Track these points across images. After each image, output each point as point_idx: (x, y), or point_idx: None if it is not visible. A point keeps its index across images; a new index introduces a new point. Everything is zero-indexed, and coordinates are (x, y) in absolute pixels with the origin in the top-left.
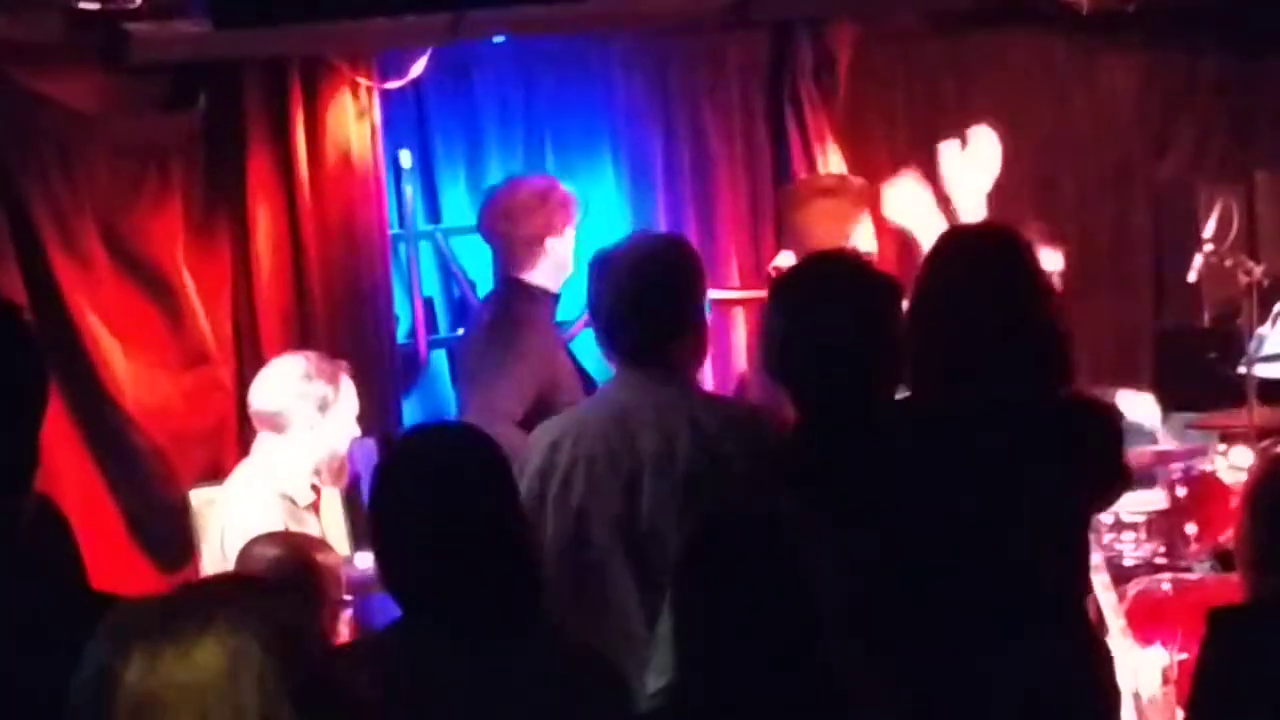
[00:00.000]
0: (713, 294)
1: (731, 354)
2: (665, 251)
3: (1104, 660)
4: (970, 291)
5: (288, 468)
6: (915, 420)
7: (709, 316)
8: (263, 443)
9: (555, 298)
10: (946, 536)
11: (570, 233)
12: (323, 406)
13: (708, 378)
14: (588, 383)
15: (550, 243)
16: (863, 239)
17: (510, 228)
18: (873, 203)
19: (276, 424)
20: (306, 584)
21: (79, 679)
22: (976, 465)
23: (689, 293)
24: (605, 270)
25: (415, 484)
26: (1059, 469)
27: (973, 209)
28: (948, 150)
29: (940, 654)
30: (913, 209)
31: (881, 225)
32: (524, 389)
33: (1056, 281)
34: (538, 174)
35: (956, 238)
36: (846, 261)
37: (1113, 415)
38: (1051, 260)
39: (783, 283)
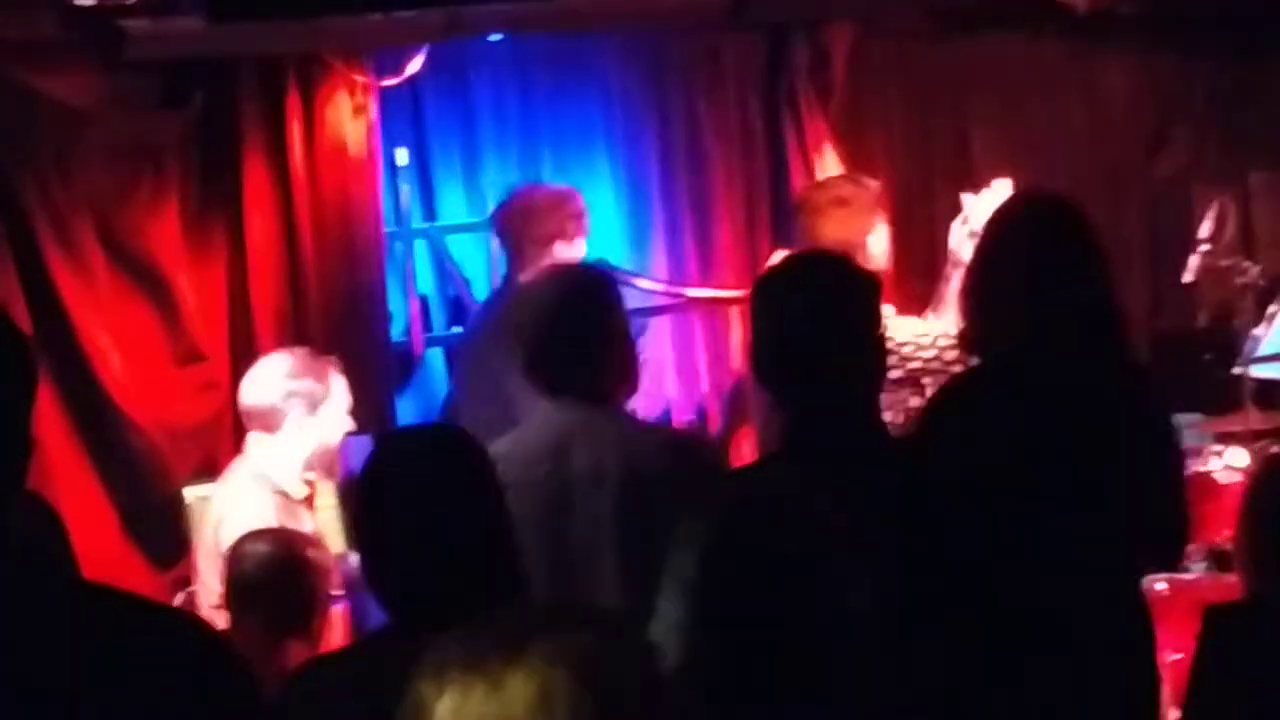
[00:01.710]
0: (708, 294)
1: (729, 355)
2: (582, 285)
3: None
4: (1040, 259)
5: (280, 464)
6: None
7: (636, 343)
8: (255, 440)
9: None
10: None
11: (580, 245)
12: (313, 403)
13: (704, 378)
14: None
15: (559, 247)
16: (877, 243)
17: (522, 227)
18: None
19: (267, 422)
20: (296, 582)
21: (399, 711)
22: (1047, 437)
23: (608, 323)
24: (527, 307)
25: (397, 488)
26: (1134, 441)
27: None
28: (970, 201)
29: (978, 656)
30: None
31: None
32: None
33: None
34: (553, 182)
35: (1023, 205)
36: (823, 259)
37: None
38: None
39: (762, 284)
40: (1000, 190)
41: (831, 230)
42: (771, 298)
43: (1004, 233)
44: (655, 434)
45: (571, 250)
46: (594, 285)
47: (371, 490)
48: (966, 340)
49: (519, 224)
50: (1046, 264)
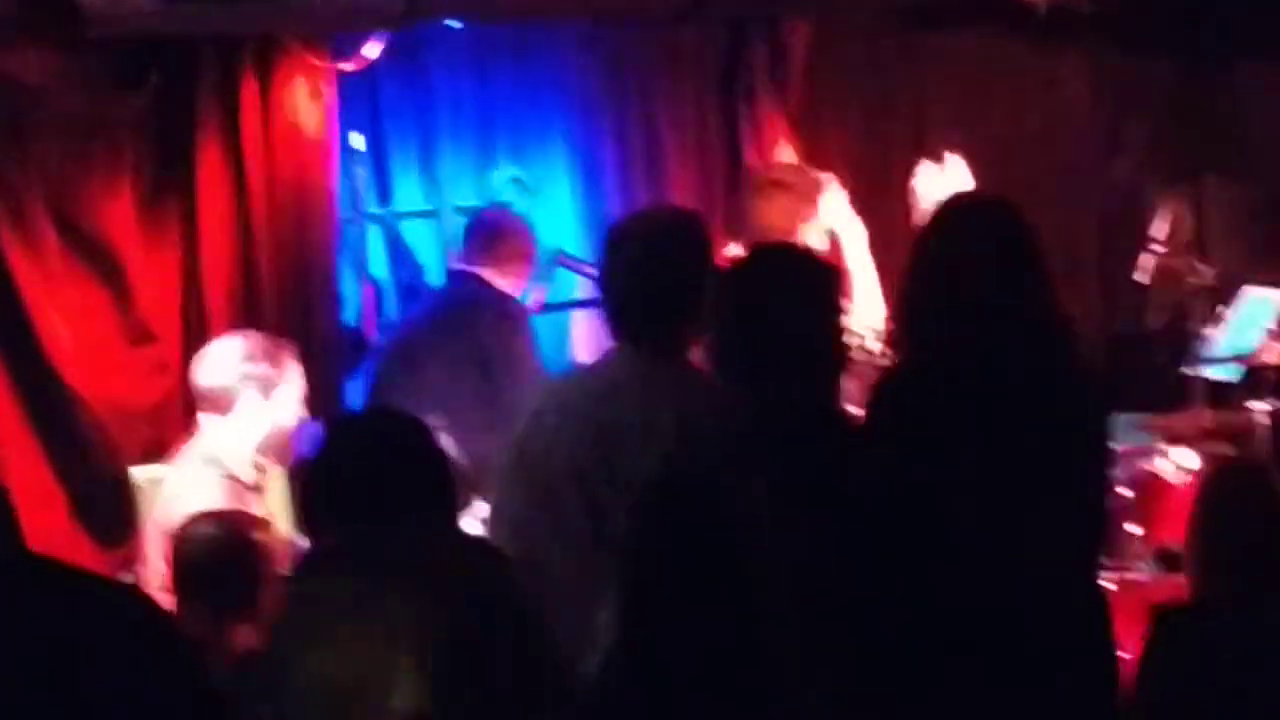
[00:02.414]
0: None
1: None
2: (679, 229)
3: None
4: (975, 259)
5: (231, 448)
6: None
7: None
8: (206, 422)
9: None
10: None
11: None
12: (266, 387)
13: None
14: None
15: (524, 268)
16: (813, 234)
17: (503, 247)
18: (829, 197)
19: (219, 404)
20: (242, 563)
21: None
22: (983, 433)
23: (698, 273)
24: (618, 244)
25: (345, 474)
26: (1067, 439)
27: None
28: (926, 169)
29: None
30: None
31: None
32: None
33: None
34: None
35: (961, 205)
36: (784, 251)
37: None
38: None
39: (723, 276)
40: (957, 166)
41: (767, 212)
42: (732, 289)
43: (942, 235)
44: (711, 392)
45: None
46: (689, 234)
47: (318, 475)
48: (896, 340)
49: (496, 241)
50: (983, 267)
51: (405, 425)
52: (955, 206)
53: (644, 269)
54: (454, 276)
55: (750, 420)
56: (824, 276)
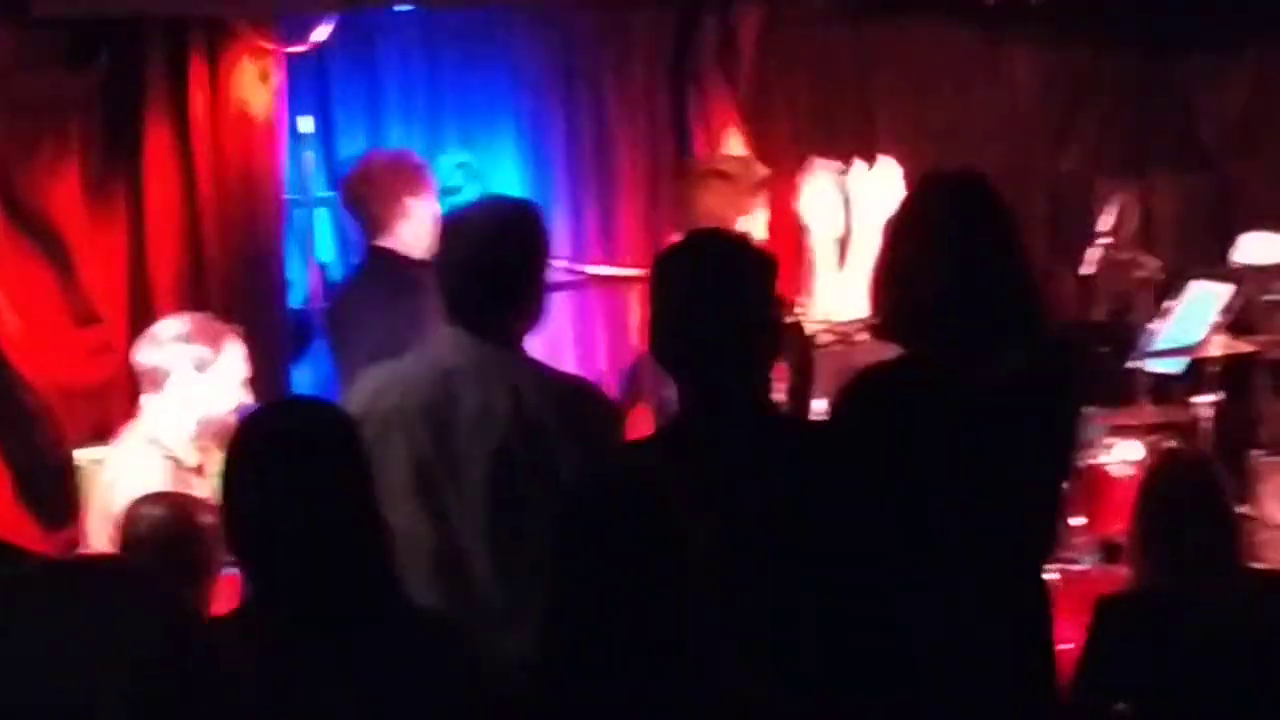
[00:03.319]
0: (609, 271)
1: (627, 332)
2: (516, 218)
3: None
4: (958, 239)
5: (171, 429)
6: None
7: (548, 285)
8: (146, 403)
9: (425, 264)
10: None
11: (430, 199)
12: (200, 366)
13: (603, 356)
14: None
15: (410, 204)
16: (754, 226)
17: (366, 190)
18: (772, 191)
19: (154, 381)
20: (188, 546)
21: None
22: (971, 422)
23: (533, 261)
24: (454, 230)
25: (263, 461)
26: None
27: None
28: (858, 169)
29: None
30: (820, 202)
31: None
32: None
33: None
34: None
35: (938, 183)
36: (722, 239)
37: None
38: None
39: (660, 263)
40: (889, 169)
41: (707, 202)
42: (668, 276)
43: (927, 213)
44: (547, 380)
45: (421, 205)
46: (525, 223)
47: (239, 463)
48: (883, 327)
49: (363, 189)
50: (973, 245)
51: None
52: (928, 189)
53: (479, 256)
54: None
55: (682, 411)
56: (758, 265)
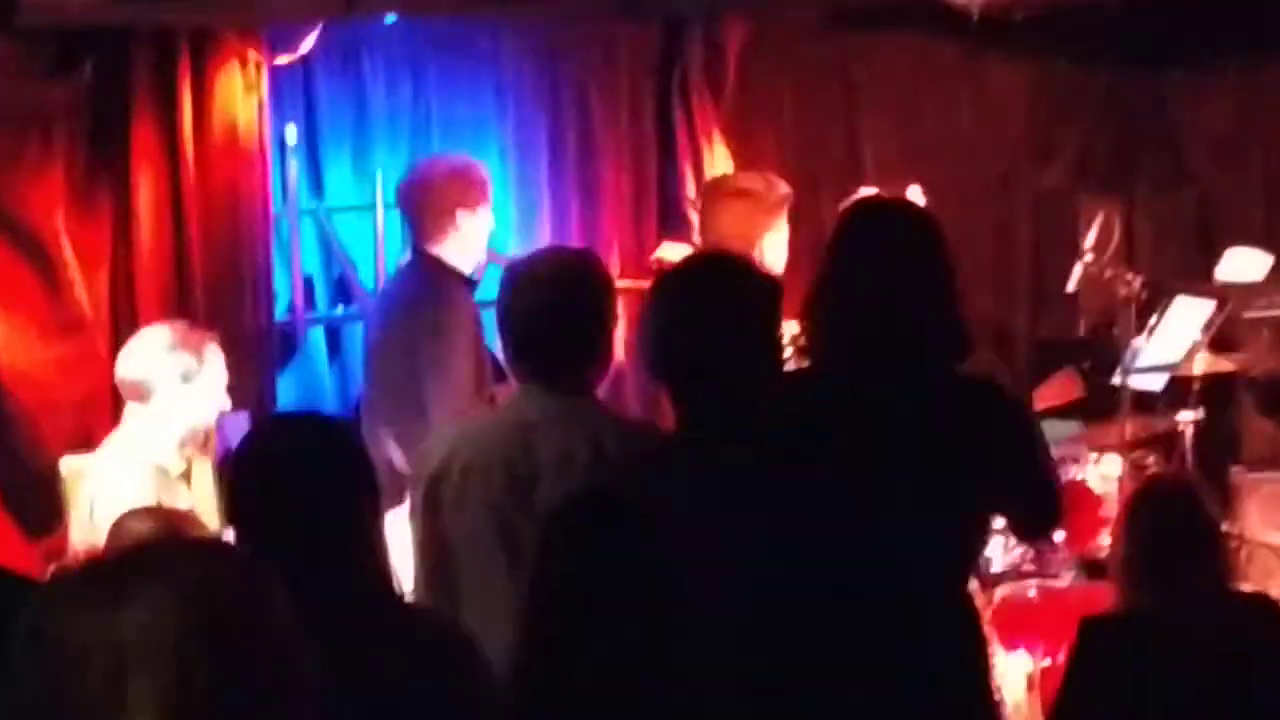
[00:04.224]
0: None
1: (611, 344)
2: (581, 268)
3: (983, 654)
4: (886, 265)
5: (155, 438)
6: (809, 401)
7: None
8: (131, 412)
9: (469, 281)
10: (834, 527)
11: (484, 213)
12: (186, 377)
13: None
14: (498, 369)
15: (461, 216)
16: (772, 246)
17: (423, 198)
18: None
19: (139, 393)
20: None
21: (13, 641)
22: (875, 446)
23: (602, 312)
24: (518, 283)
25: (270, 475)
26: (961, 453)
27: None
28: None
29: (818, 652)
30: None
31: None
32: (460, 362)
33: None
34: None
35: (871, 210)
36: (727, 261)
37: (1018, 401)
38: None
39: (664, 280)
40: (912, 196)
41: (729, 222)
42: (671, 294)
43: (854, 241)
44: (624, 429)
45: (475, 219)
46: (591, 274)
47: (243, 474)
48: (807, 349)
49: (420, 195)
50: (896, 276)
51: (332, 432)
52: (857, 211)
53: (550, 311)
54: None
55: (675, 435)
56: (763, 289)
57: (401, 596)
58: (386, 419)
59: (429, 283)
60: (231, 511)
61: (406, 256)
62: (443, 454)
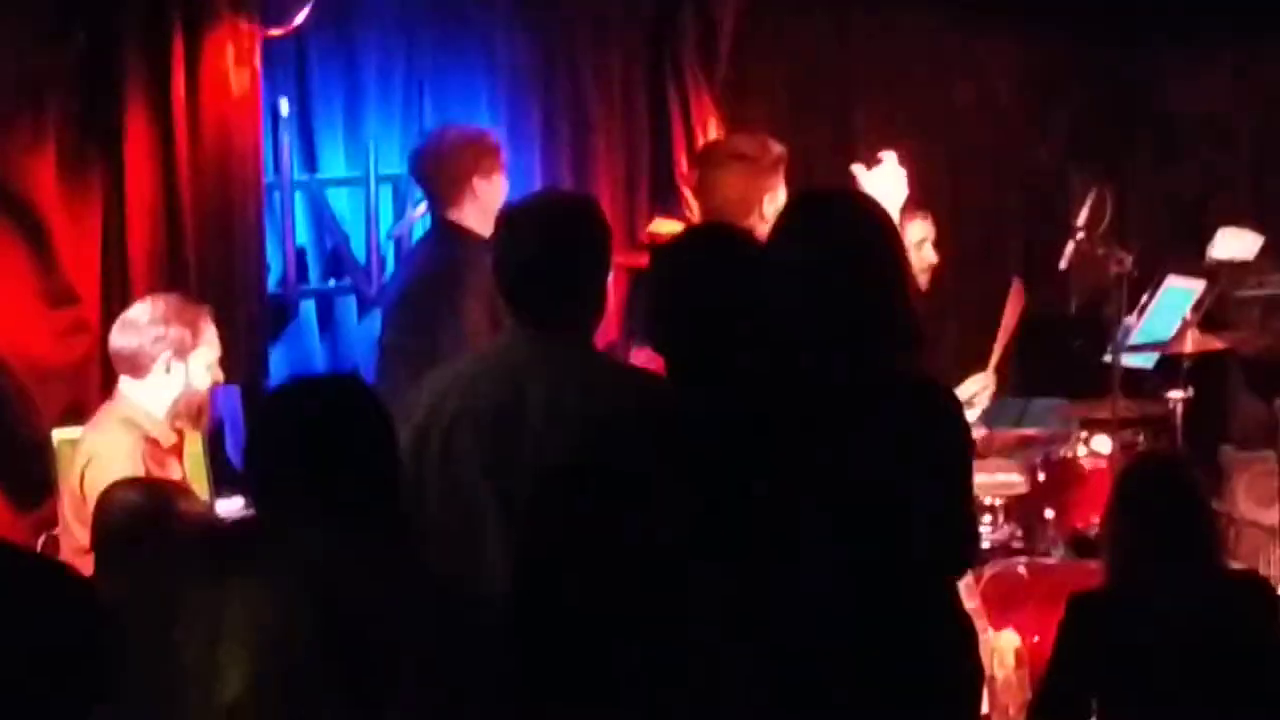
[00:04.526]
0: None
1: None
2: (577, 211)
3: (970, 635)
4: (829, 260)
5: (148, 410)
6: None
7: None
8: (123, 385)
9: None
10: (811, 513)
11: (500, 180)
12: (180, 350)
13: None
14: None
15: (478, 184)
16: (772, 208)
17: (438, 165)
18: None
19: (133, 365)
20: (165, 530)
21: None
22: (835, 440)
23: (597, 256)
24: (514, 225)
25: (292, 435)
26: (918, 445)
27: None
28: (857, 172)
29: (803, 630)
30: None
31: None
32: (479, 325)
33: (929, 252)
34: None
35: (811, 203)
36: (724, 232)
37: (955, 399)
38: (921, 229)
39: (662, 251)
40: (889, 165)
41: (727, 187)
42: (670, 265)
43: (792, 233)
44: (617, 374)
45: (490, 186)
46: (588, 216)
47: (266, 437)
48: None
49: (434, 165)
50: (827, 268)
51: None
52: (796, 206)
53: (543, 254)
54: None
55: (671, 403)
56: (756, 259)
57: (421, 557)
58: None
59: (449, 248)
60: (251, 473)
61: (429, 225)
62: (432, 401)
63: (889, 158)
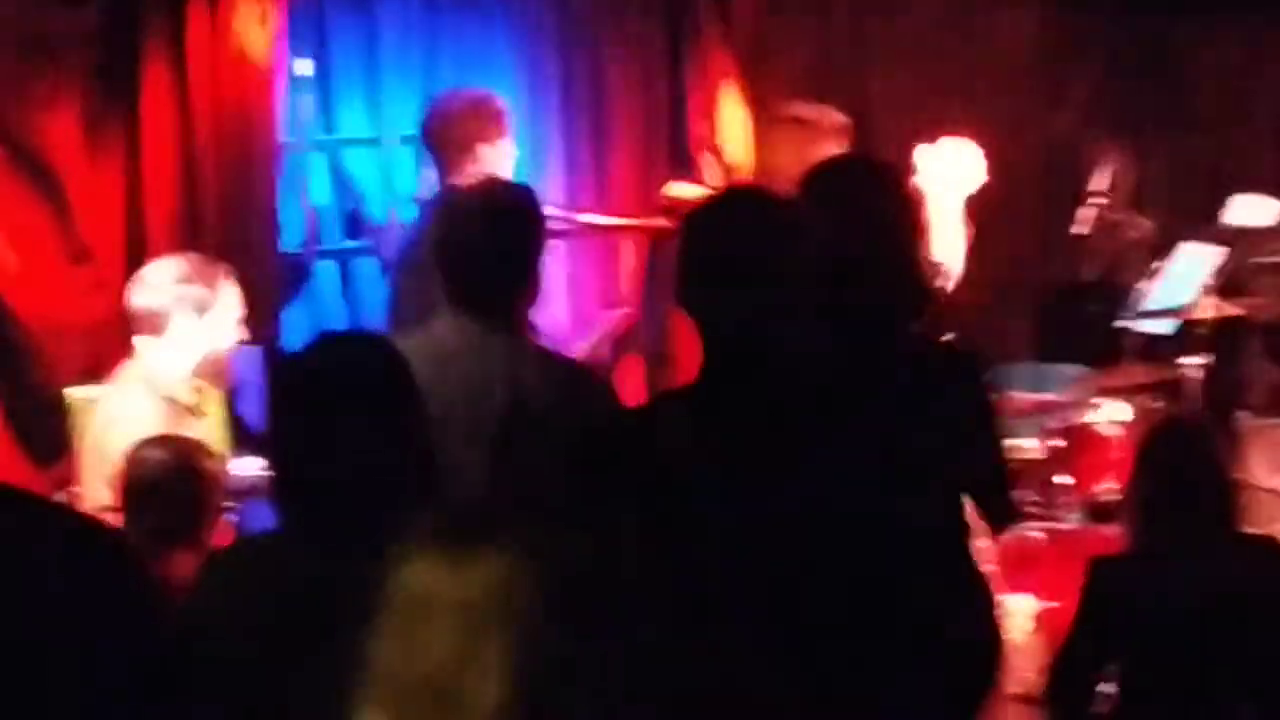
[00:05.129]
0: (603, 221)
1: (618, 281)
2: (511, 200)
3: (989, 601)
4: (843, 225)
5: (167, 370)
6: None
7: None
8: (142, 344)
9: None
10: (837, 480)
11: (505, 145)
12: (200, 308)
13: (592, 304)
14: None
15: (482, 150)
16: None
17: (442, 131)
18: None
19: (153, 325)
20: (191, 489)
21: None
22: (860, 405)
23: (532, 243)
24: (450, 213)
25: (317, 392)
26: (942, 409)
27: (946, 218)
28: (923, 155)
29: (831, 606)
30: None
31: None
32: None
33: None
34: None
35: (826, 171)
36: (759, 194)
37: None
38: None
39: (695, 213)
40: (952, 148)
41: (782, 151)
42: (703, 227)
43: (811, 200)
44: (545, 363)
45: (495, 152)
46: (524, 205)
47: (290, 393)
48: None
49: (439, 129)
50: (854, 230)
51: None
52: (813, 175)
53: (478, 240)
54: None
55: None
56: (791, 221)
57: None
58: None
59: None
60: (275, 431)
61: (434, 191)
62: None
63: (956, 142)
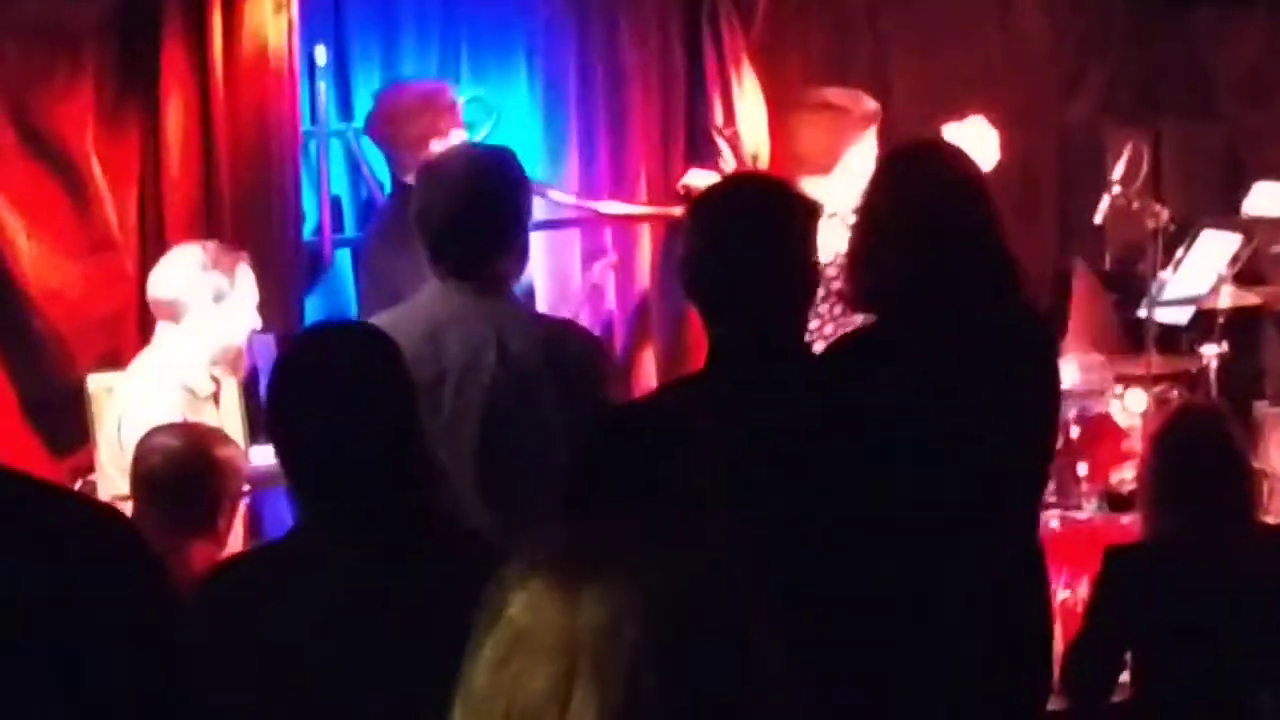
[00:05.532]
0: (621, 209)
1: (636, 270)
2: (497, 165)
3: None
4: (927, 204)
5: (186, 358)
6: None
7: (530, 233)
8: (161, 332)
9: None
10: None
11: (457, 137)
12: (219, 297)
13: (610, 293)
14: None
15: (435, 145)
16: (858, 159)
17: (395, 130)
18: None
19: (172, 313)
20: (204, 477)
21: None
22: (939, 380)
23: (518, 208)
24: (432, 180)
25: (313, 381)
26: (1020, 381)
27: None
28: (950, 133)
29: (878, 588)
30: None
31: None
32: None
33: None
34: (428, 78)
35: (903, 154)
36: (765, 181)
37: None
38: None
39: (702, 200)
40: (975, 125)
41: (809, 136)
42: (710, 214)
43: (891, 186)
44: (532, 326)
45: (448, 145)
46: (507, 170)
47: (289, 383)
48: (853, 299)
49: (390, 129)
50: (934, 218)
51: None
52: (899, 156)
53: (461, 205)
54: None
55: (712, 354)
56: (797, 208)
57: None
58: None
59: (401, 215)
60: (274, 421)
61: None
62: None
63: (976, 120)
